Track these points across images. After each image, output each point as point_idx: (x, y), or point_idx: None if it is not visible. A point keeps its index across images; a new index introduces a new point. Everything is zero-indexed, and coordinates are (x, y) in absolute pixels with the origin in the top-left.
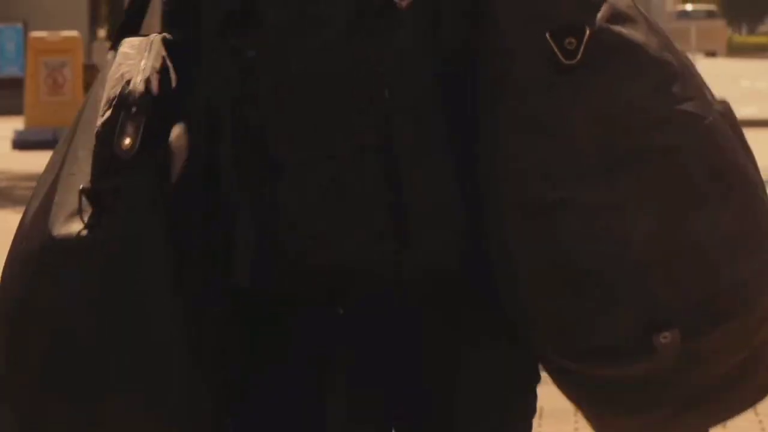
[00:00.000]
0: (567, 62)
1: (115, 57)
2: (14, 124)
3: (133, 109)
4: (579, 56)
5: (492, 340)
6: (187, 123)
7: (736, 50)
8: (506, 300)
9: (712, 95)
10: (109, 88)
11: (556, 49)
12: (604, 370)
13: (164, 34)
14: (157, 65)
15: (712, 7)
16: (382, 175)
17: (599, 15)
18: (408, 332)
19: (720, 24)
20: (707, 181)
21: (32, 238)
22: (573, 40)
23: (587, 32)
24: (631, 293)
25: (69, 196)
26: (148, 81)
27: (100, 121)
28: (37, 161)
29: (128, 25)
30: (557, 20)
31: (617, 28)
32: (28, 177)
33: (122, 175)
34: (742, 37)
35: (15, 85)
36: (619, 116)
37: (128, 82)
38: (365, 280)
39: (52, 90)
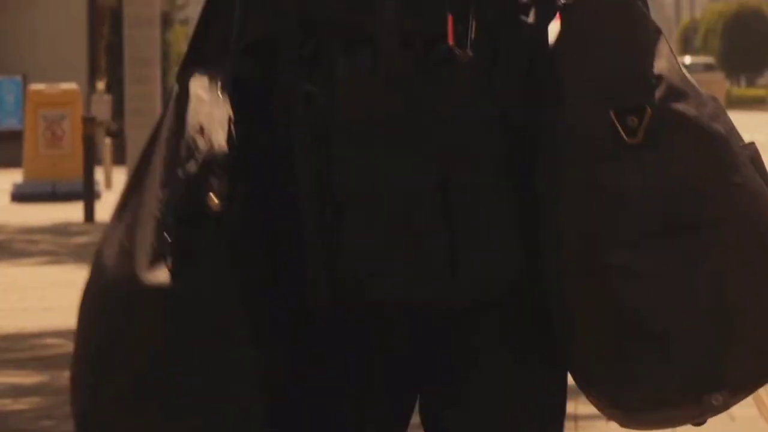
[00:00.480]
0: (629, 140)
1: (181, 91)
2: (13, 176)
3: (218, 168)
4: (640, 135)
5: (521, 357)
6: (263, 164)
7: (734, 103)
8: (562, 352)
9: (743, 141)
10: (190, 137)
11: (618, 127)
12: (645, 415)
13: (231, 73)
14: (232, 113)
15: (710, 59)
16: (439, 214)
17: (657, 94)
18: (436, 339)
19: (719, 77)
20: (752, 249)
21: (115, 276)
22: (635, 119)
23: (648, 112)
24: (684, 354)
25: (150, 238)
26: (229, 137)
27: (182, 173)
28: (36, 214)
29: (193, 55)
30: (622, 100)
31: (674, 106)
32: (27, 230)
33: (204, 227)
34: (741, 90)
35: (14, 137)
36: (676, 190)
37: (210, 139)
38: (416, 311)
39: (50, 143)
